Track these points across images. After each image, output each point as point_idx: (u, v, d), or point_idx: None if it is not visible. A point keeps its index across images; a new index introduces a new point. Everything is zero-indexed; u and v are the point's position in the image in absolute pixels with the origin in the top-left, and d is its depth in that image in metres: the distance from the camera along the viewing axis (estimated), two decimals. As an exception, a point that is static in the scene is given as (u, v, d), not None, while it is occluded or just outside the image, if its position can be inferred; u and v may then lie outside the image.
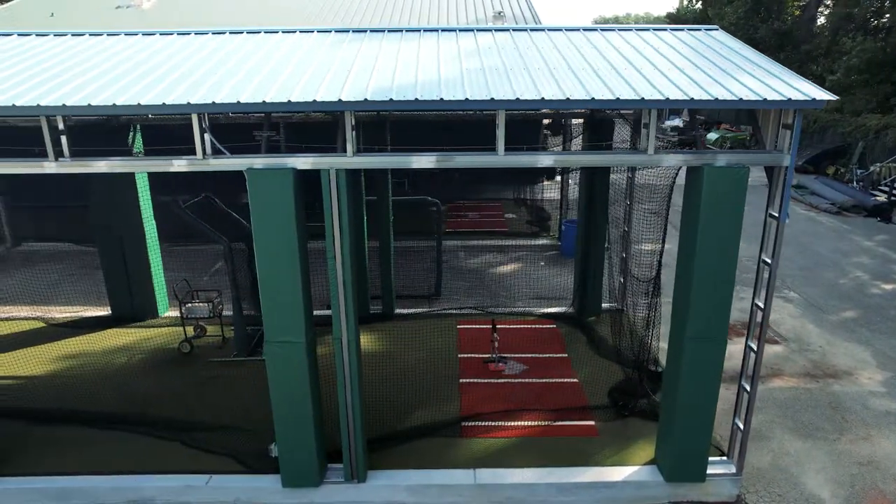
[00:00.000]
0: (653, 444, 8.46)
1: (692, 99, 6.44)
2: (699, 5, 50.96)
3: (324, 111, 7.97)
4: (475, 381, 10.32)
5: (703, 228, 6.93)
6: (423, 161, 6.80)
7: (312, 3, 23.80)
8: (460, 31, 9.06)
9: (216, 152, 6.77)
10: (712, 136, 33.32)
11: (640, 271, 10.71)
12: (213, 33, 8.90)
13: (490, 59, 7.72)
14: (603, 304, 12.66)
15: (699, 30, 8.98)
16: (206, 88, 6.70)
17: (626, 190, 11.85)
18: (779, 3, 40.68)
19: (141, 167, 7.54)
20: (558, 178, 20.64)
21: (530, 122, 15.93)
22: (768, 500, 8.08)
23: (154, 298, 12.59)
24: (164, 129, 8.31)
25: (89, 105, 6.38)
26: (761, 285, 7.40)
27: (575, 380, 10.32)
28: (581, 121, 12.49)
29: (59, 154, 6.73)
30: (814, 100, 6.38)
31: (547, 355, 11.11)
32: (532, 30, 9.15)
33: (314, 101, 6.39)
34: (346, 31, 9.00)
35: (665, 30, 8.97)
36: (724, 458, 8.26)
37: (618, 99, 6.46)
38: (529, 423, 9.12)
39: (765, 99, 6.39)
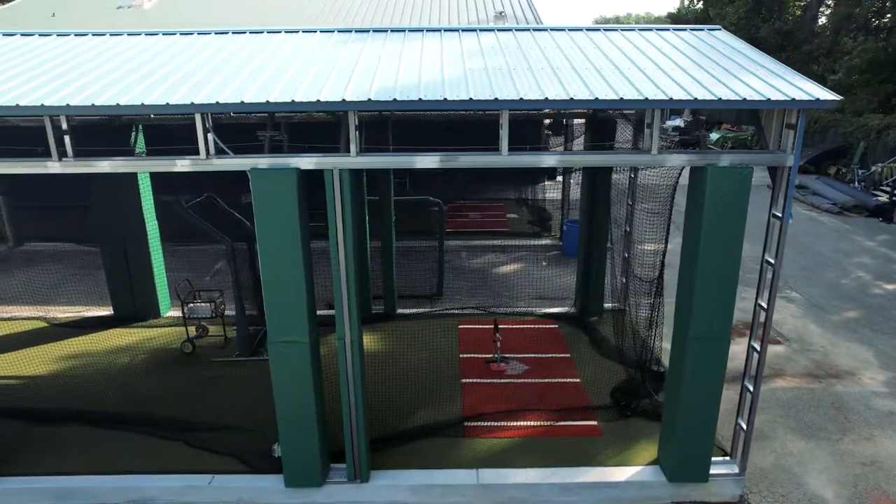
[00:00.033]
0: (655, 445, 8.45)
1: (696, 99, 6.43)
2: (700, 5, 50.98)
3: (327, 111, 7.95)
4: (477, 381, 10.32)
5: (707, 228, 6.92)
6: (428, 161, 6.79)
7: (312, 3, 23.81)
8: (463, 31, 9.04)
9: (220, 152, 6.76)
10: (714, 136, 33.33)
11: (643, 271, 10.70)
12: (216, 33, 8.90)
13: (493, 59, 7.71)
14: (605, 304, 12.66)
15: (702, 29, 8.98)
16: (209, 88, 6.69)
17: (629, 190, 11.84)
18: (780, 3, 40.69)
19: (145, 167, 7.52)
20: (559, 178, 20.65)
21: (532, 122, 15.97)
22: (771, 501, 8.07)
23: (156, 298, 12.59)
24: (166, 129, 8.32)
25: (93, 105, 6.37)
26: (764, 285, 7.38)
27: (577, 380, 10.32)
28: (583, 121, 12.49)
29: (62, 154, 6.72)
30: (818, 100, 6.37)
31: (549, 355, 11.10)
32: (535, 30, 9.15)
33: (318, 100, 6.38)
34: (349, 31, 8.99)
35: (668, 29, 8.96)
36: (727, 458, 8.25)
37: (621, 99, 6.45)
38: (532, 424, 9.12)
39: (769, 99, 6.39)
